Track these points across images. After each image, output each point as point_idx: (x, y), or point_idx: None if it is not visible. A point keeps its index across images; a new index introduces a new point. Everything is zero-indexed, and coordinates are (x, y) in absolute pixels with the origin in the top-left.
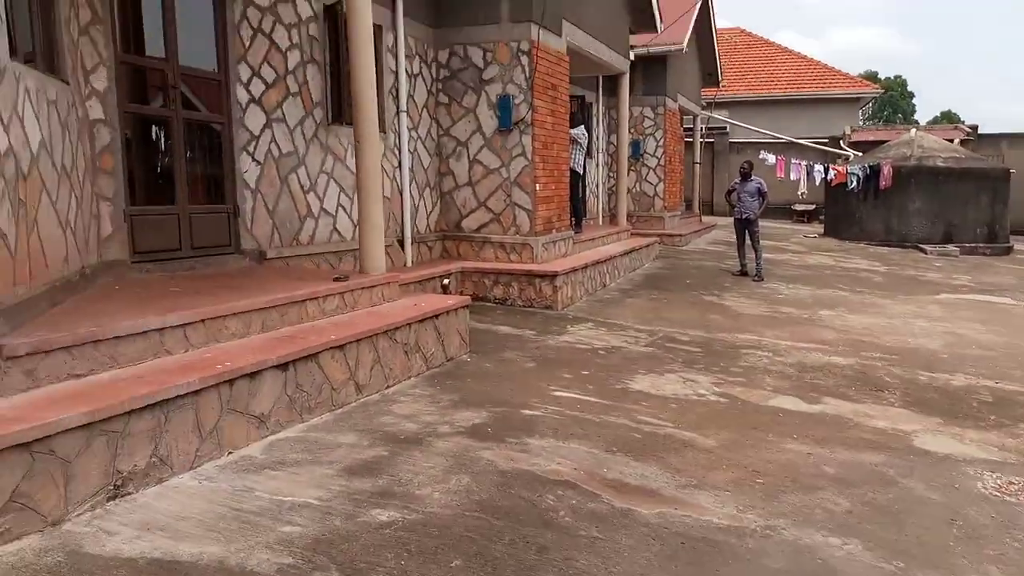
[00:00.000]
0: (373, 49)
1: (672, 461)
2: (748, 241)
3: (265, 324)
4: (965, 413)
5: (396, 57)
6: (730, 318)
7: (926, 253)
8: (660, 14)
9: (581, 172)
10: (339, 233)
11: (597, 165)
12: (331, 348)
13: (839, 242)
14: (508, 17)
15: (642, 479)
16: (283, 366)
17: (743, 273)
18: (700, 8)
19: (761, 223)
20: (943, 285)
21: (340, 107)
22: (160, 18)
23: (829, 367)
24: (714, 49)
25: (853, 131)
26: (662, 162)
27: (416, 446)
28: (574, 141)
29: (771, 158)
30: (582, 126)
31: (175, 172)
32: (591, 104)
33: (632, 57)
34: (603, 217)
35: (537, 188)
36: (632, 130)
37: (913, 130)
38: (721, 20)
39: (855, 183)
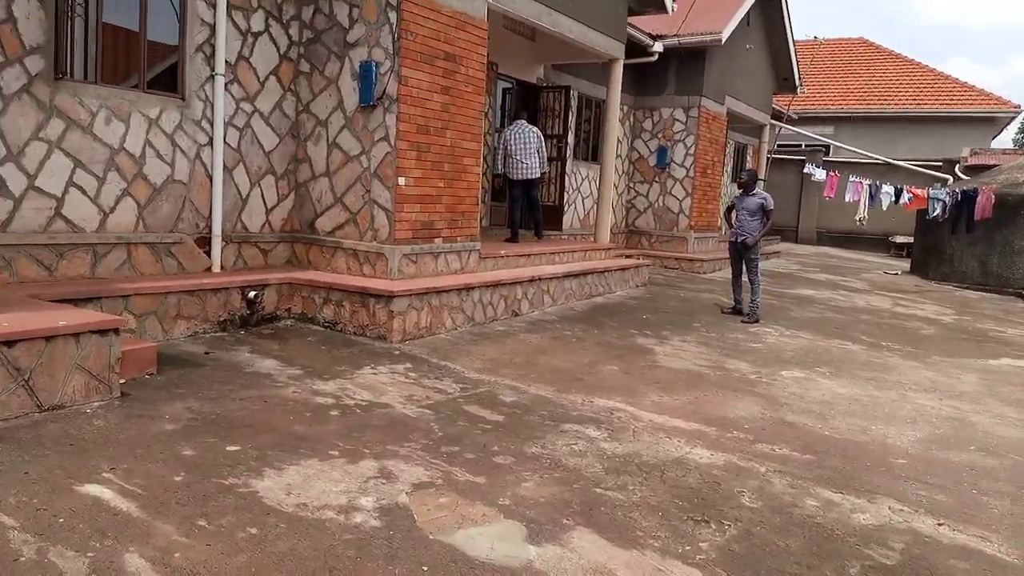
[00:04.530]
0: None
1: None
2: (745, 271)
3: None
4: None
5: (214, 6)
6: (629, 373)
7: None
8: None
9: (531, 176)
10: (68, 221)
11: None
12: None
13: (922, 282)
14: None
15: None
16: None
17: (736, 311)
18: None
19: (847, 254)
20: (1014, 347)
21: (75, 58)
22: None
23: (669, 468)
24: (789, 49)
25: (974, 154)
26: (691, 174)
27: None
28: (514, 138)
29: (819, 173)
30: (522, 121)
31: None
32: (601, 100)
33: (661, 48)
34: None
35: (400, 182)
36: (660, 135)
37: None
38: (877, 40)
39: (939, 211)
